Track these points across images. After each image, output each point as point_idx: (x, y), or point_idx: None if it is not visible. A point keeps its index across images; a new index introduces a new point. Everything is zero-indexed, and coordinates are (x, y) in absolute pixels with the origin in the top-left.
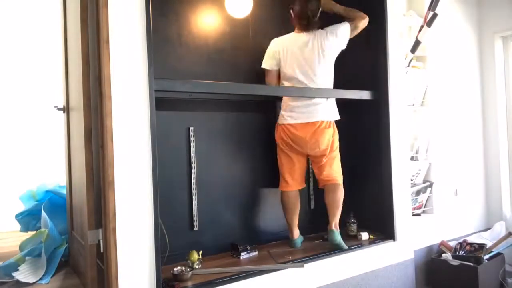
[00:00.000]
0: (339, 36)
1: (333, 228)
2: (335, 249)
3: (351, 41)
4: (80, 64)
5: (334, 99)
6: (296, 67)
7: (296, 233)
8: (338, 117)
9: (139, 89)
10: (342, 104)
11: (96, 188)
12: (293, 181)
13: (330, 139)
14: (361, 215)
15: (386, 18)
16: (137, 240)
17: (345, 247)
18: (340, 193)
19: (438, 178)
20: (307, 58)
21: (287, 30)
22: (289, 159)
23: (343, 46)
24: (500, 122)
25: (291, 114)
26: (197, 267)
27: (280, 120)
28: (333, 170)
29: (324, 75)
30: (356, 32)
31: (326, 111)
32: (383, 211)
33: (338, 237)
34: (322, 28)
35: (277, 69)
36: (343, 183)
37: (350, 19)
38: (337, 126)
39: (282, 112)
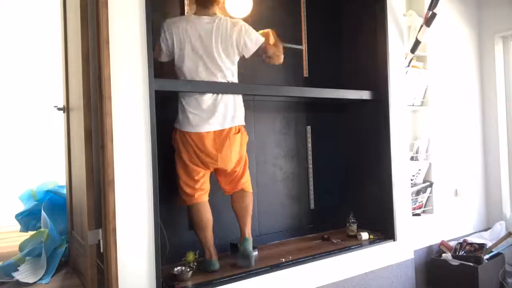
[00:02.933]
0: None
1: (247, 236)
2: (244, 265)
3: (351, 41)
4: (80, 64)
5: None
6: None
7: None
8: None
9: (139, 89)
10: (342, 104)
11: (96, 188)
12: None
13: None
14: (361, 215)
15: (386, 18)
16: (137, 240)
17: (253, 261)
18: (250, 199)
19: (438, 178)
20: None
21: (288, 29)
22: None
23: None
24: (500, 122)
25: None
26: (193, 267)
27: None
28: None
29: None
30: (261, 55)
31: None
32: (383, 211)
33: (251, 246)
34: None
35: None
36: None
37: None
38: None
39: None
